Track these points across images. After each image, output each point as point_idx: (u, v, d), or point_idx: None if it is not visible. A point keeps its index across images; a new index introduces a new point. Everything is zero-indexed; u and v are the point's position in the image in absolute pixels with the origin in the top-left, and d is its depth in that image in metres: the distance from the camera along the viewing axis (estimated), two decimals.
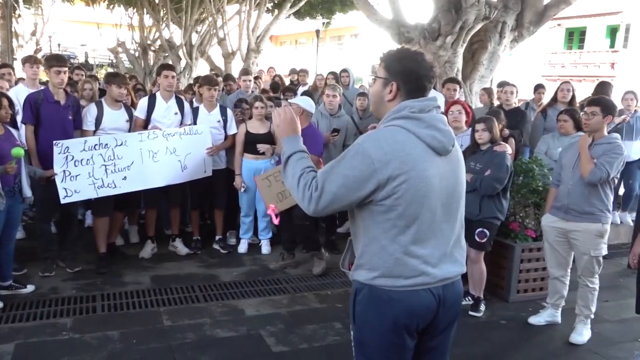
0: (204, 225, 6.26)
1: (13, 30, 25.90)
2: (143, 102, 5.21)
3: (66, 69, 4.72)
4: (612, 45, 25.14)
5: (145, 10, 21.95)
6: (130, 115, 5.17)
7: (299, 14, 21.23)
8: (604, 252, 3.92)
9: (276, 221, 4.11)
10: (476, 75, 8.68)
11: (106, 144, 4.68)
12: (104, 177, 4.67)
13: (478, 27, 7.96)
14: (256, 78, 9.52)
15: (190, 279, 4.90)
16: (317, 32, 22.51)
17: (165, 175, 5.04)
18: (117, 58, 29.50)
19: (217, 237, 5.78)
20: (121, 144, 4.77)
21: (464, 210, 2.10)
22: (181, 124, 5.30)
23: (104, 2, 25.37)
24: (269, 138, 5.50)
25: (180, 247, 5.57)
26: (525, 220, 4.89)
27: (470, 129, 4.81)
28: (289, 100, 5.20)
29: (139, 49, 26.89)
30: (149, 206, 5.48)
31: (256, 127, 5.52)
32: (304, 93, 6.92)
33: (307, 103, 5.12)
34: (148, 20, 24.12)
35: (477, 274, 4.44)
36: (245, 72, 7.17)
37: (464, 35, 7.90)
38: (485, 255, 4.47)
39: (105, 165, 4.68)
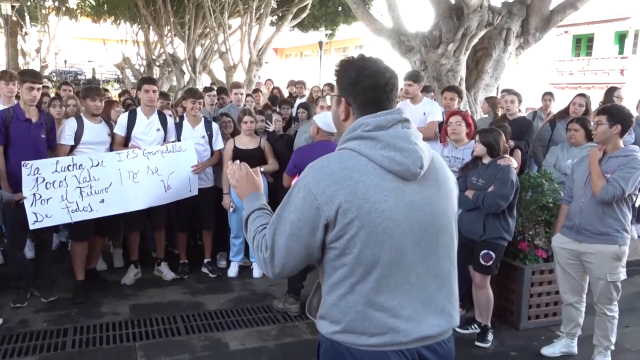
0: (195, 247, 5.93)
1: (19, 48, 26.05)
2: (122, 118, 4.90)
3: (40, 85, 4.43)
4: (620, 52, 24.66)
5: (149, 25, 21.92)
6: (111, 129, 4.89)
7: (302, 26, 21.10)
8: (623, 276, 3.53)
9: None
10: (481, 84, 8.33)
11: (81, 165, 4.36)
12: (78, 200, 4.34)
13: (481, 33, 7.63)
14: (256, 91, 9.23)
15: (172, 308, 4.55)
16: (320, 43, 22.25)
17: (147, 196, 4.72)
18: (123, 73, 29.64)
19: (205, 261, 5.44)
20: (97, 165, 4.45)
21: (454, 244, 1.73)
22: (164, 140, 4.99)
23: (109, 18, 25.46)
24: (259, 154, 5.18)
25: (165, 271, 5.23)
26: (535, 239, 4.51)
27: (471, 141, 4.46)
28: (312, 119, 4.84)
29: (144, 64, 26.99)
30: (132, 229, 5.15)
31: (245, 142, 5.20)
32: (301, 105, 6.61)
33: (323, 121, 4.77)
34: (153, 36, 24.11)
35: (483, 300, 4.05)
36: (237, 85, 6.86)
37: (466, 43, 7.57)
38: (492, 279, 4.09)
39: (80, 188, 4.36)
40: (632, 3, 22.18)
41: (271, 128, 5.37)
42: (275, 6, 18.63)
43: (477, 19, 7.31)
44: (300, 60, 44.40)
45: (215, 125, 5.29)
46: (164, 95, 6.53)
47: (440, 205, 1.66)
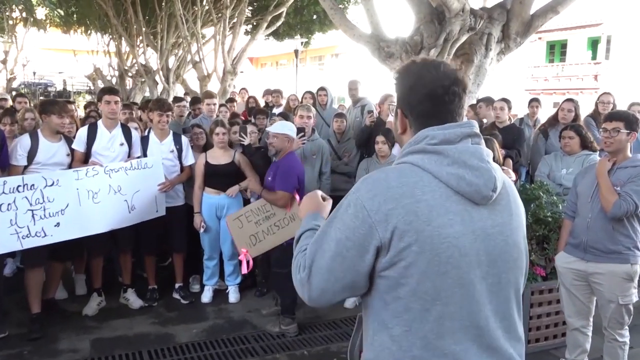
0: (164, 268, 5.48)
1: None
2: (82, 133, 4.45)
3: None
4: (594, 57, 24.93)
5: (121, 36, 21.39)
6: (71, 148, 4.44)
7: (277, 35, 20.87)
8: (635, 298, 3.23)
9: (245, 269, 3.56)
10: None
11: (32, 185, 3.91)
12: (30, 224, 3.88)
13: (463, 38, 7.36)
14: (230, 101, 8.83)
15: (139, 342, 4.11)
16: (296, 52, 21.97)
17: (109, 218, 4.28)
18: (95, 85, 29.04)
19: (176, 285, 5.00)
20: (52, 184, 4.00)
21: (522, 283, 1.49)
22: (129, 156, 4.56)
23: (79, 28, 24.86)
24: (233, 169, 4.78)
25: (132, 299, 4.77)
26: (531, 255, 4.20)
27: None
28: (269, 131, 4.48)
29: (116, 74, 26.42)
30: (94, 254, 4.68)
31: (217, 156, 4.79)
32: (280, 114, 6.24)
33: (287, 128, 4.43)
34: (124, 46, 23.59)
35: None
36: (209, 94, 6.46)
37: (448, 48, 7.29)
38: None
39: (32, 210, 3.90)
40: (604, 9, 22.44)
41: (246, 141, 4.98)
42: (249, 15, 18.29)
43: (460, 23, 7.05)
44: (276, 70, 44.09)
45: (184, 139, 4.88)
46: (127, 107, 6.09)
47: (512, 236, 1.44)
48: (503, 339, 1.40)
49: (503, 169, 3.63)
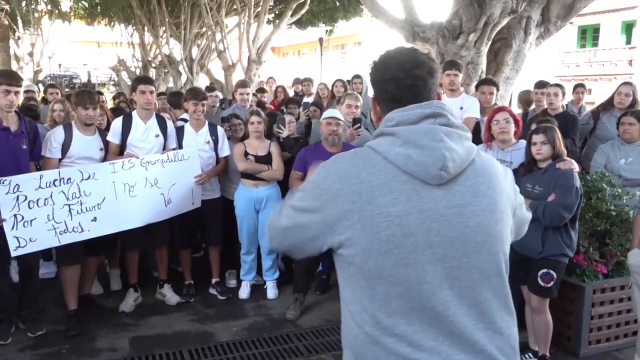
0: (199, 262, 5.32)
1: (12, 52, 25.46)
2: (116, 124, 4.30)
3: (18, 89, 3.82)
4: (628, 42, 24.05)
5: (144, 27, 21.37)
6: (106, 141, 4.30)
7: (300, 24, 20.63)
8: None
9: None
10: (501, 77, 7.71)
11: (69, 179, 3.78)
12: (67, 219, 3.76)
13: (504, 22, 7.04)
14: (261, 91, 8.60)
15: (179, 340, 3.97)
16: (321, 40, 21.71)
17: (145, 212, 4.14)
18: (119, 76, 29.25)
19: (213, 281, 4.85)
20: (88, 178, 3.86)
21: (498, 270, 1.38)
22: (164, 148, 4.41)
23: (103, 20, 24.94)
24: (269, 161, 4.59)
25: (169, 295, 4.64)
26: (589, 250, 3.94)
27: (519, 141, 3.89)
28: (329, 117, 4.35)
29: (139, 66, 26.50)
30: (129, 248, 4.54)
31: (254, 146, 4.60)
32: (313, 104, 6.03)
33: (341, 115, 4.32)
34: (148, 37, 23.59)
35: (541, 327, 3.48)
36: (243, 84, 6.23)
37: (488, 32, 6.98)
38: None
39: (69, 205, 3.77)
40: None
41: (285, 133, 4.77)
42: (272, 4, 18.05)
43: (500, 5, 6.73)
44: (298, 59, 43.80)
45: (220, 130, 4.70)
46: (162, 94, 5.93)
47: (474, 218, 1.36)
48: (473, 327, 1.33)
49: (565, 160, 3.40)
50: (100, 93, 7.13)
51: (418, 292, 1.31)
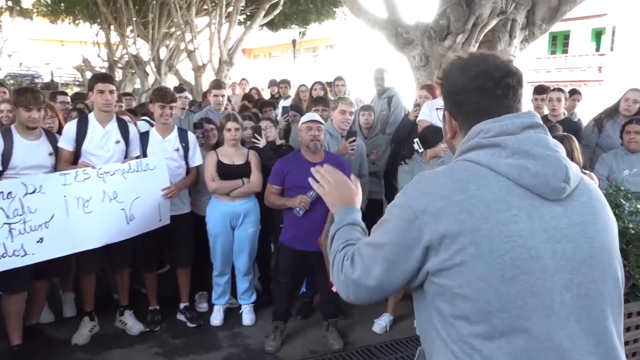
0: (165, 279, 4.73)
1: None
2: (70, 128, 3.73)
3: None
4: (597, 49, 24.43)
5: (110, 25, 20.56)
6: (56, 146, 3.73)
7: (272, 25, 20.21)
8: None
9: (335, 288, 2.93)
10: None
11: (9, 193, 3.19)
12: (7, 241, 3.17)
13: (493, 23, 6.72)
14: (249, 98, 7.96)
15: None
16: (294, 42, 21.28)
17: (103, 231, 3.58)
18: (84, 76, 28.29)
19: (181, 305, 4.31)
20: (34, 191, 3.29)
21: (620, 298, 1.25)
22: (126, 156, 3.86)
23: (67, 18, 23.99)
24: (247, 172, 4.09)
25: (131, 323, 4.08)
26: None
27: None
28: (307, 121, 3.81)
29: (105, 66, 25.63)
30: (85, 271, 3.96)
31: (229, 155, 4.10)
32: (293, 108, 5.56)
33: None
34: (114, 36, 22.76)
35: None
36: (217, 85, 5.67)
37: (476, 34, 6.65)
38: None
39: (10, 224, 3.19)
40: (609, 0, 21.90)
41: (262, 143, 4.26)
42: (244, 4, 17.53)
43: (490, 6, 6.41)
44: (269, 61, 43.28)
45: (191, 136, 4.17)
46: (128, 95, 5.35)
47: (598, 239, 1.23)
48: None
49: (585, 173, 3.02)
50: (65, 93, 6.51)
51: (546, 326, 1.14)
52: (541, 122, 1.28)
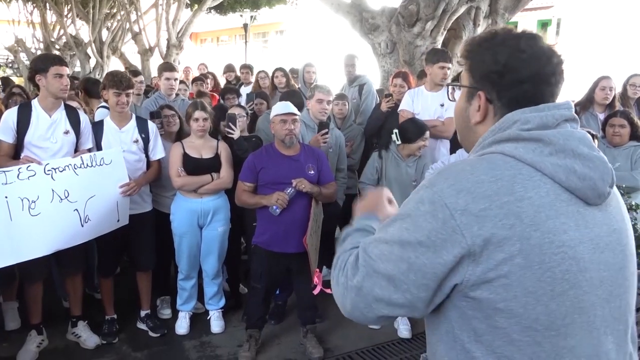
0: (122, 280, 4.29)
1: None
2: (9, 117, 3.23)
3: None
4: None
5: (47, 4, 19.24)
6: None
7: (221, 9, 19.53)
8: None
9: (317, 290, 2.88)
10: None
11: None
12: None
13: (462, 10, 6.58)
14: (200, 79, 7.44)
15: None
16: (245, 26, 20.57)
17: (54, 236, 3.13)
18: (17, 57, 26.48)
19: (142, 313, 3.90)
20: None
21: (633, 306, 1.17)
22: (76, 149, 3.40)
23: None
24: (216, 165, 3.72)
25: (85, 335, 3.64)
26: None
27: None
28: (281, 113, 3.43)
29: (40, 47, 24.08)
30: (30, 279, 3.49)
31: (197, 147, 3.71)
32: (258, 95, 5.18)
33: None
34: (51, 16, 21.36)
35: None
36: (169, 67, 5.13)
37: (445, 21, 6.49)
38: None
39: None
40: None
41: (236, 134, 3.88)
42: None
43: None
44: (216, 46, 42.13)
45: (152, 125, 3.73)
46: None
47: (629, 246, 1.16)
48: None
49: None
50: None
51: (590, 345, 1.08)
52: (572, 115, 1.15)
